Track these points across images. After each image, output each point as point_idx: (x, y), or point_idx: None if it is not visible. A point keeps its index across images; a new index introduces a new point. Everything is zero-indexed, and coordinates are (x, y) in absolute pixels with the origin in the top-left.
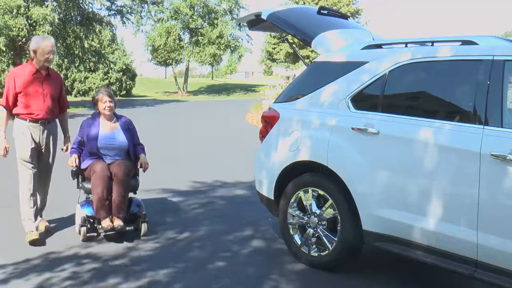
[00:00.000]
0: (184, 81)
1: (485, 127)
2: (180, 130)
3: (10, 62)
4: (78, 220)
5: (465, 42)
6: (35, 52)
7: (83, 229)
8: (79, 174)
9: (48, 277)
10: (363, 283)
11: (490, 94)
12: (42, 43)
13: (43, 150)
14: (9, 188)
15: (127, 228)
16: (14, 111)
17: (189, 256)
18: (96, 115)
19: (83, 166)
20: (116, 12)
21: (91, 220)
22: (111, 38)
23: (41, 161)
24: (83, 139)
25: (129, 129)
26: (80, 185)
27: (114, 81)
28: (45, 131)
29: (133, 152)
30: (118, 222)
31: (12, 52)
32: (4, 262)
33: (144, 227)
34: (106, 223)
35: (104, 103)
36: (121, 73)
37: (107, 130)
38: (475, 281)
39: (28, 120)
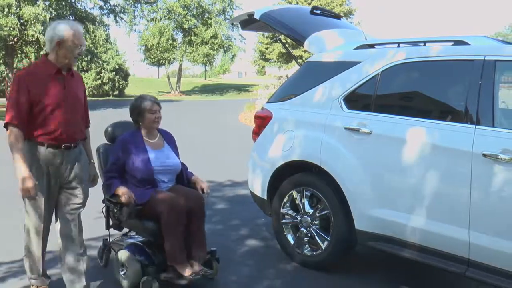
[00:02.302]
0: (177, 81)
1: (477, 126)
2: (173, 130)
3: (0, 62)
4: (134, 275)
5: (457, 42)
6: (59, 44)
7: (156, 286)
8: (137, 213)
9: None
10: (356, 282)
11: (481, 94)
12: (71, 31)
13: (68, 191)
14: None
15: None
16: (27, 131)
17: None
18: (136, 131)
19: (140, 200)
20: (109, 12)
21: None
22: (105, 38)
23: (63, 206)
24: (121, 162)
25: (175, 145)
26: (132, 224)
27: (107, 81)
28: (70, 160)
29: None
30: (198, 266)
31: (3, 52)
32: (2, 260)
33: (216, 266)
34: (188, 271)
35: (154, 114)
36: (114, 73)
37: (156, 149)
38: (467, 280)
39: (46, 145)
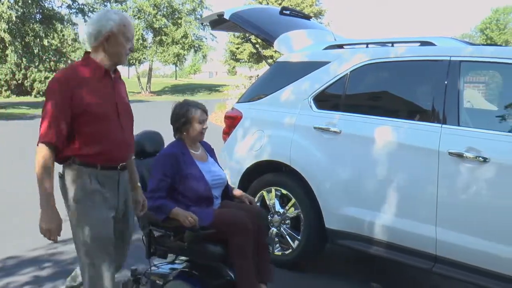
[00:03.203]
0: (147, 81)
1: (443, 125)
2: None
3: None
4: None
5: (424, 43)
6: (109, 39)
7: None
8: (203, 237)
9: (6, 283)
10: (327, 280)
11: (447, 94)
12: (122, 21)
13: (119, 224)
14: None
15: None
16: (67, 152)
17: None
18: (179, 142)
19: (205, 221)
20: (77, 11)
21: None
22: (74, 37)
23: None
24: (170, 180)
25: (215, 156)
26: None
27: None
28: (124, 184)
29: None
30: None
31: None
32: None
33: None
34: None
35: (202, 124)
36: None
37: (202, 162)
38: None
39: (99, 167)
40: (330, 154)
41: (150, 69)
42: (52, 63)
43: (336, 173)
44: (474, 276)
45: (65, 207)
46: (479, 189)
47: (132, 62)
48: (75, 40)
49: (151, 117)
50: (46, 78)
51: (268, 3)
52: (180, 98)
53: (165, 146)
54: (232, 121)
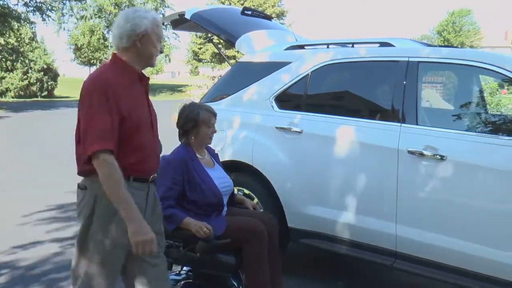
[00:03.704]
0: None
1: (402, 124)
2: None
3: None
4: None
5: (383, 44)
6: (141, 39)
7: None
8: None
9: None
10: (289, 280)
11: (406, 94)
12: (154, 20)
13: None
14: None
15: None
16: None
17: None
18: (186, 147)
19: (218, 231)
20: (35, 9)
21: None
22: (31, 36)
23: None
24: (180, 187)
25: (220, 162)
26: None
27: (35, 81)
28: (151, 195)
29: None
30: None
31: None
32: None
33: None
34: None
35: (210, 128)
36: (42, 73)
37: (210, 168)
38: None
39: (131, 179)
40: (292, 154)
41: None
42: (8, 62)
43: (298, 173)
44: (434, 271)
45: (78, 219)
46: (437, 186)
47: (93, 62)
48: (32, 39)
49: None
50: (2, 78)
51: (230, 3)
52: None
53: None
54: None
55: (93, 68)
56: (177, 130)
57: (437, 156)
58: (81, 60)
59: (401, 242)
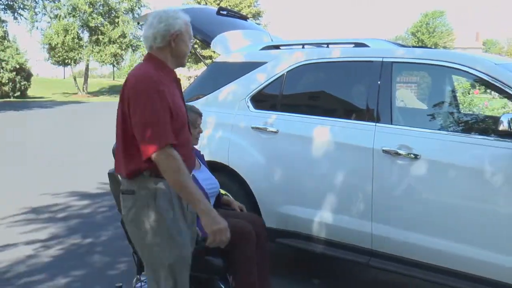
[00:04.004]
0: (84, 82)
1: (377, 124)
2: (81, 132)
3: None
4: None
5: (358, 45)
6: (175, 38)
7: None
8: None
9: None
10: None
11: (380, 93)
12: (186, 19)
13: None
14: None
15: None
16: (142, 164)
17: (89, 262)
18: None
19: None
20: (6, 7)
21: None
22: (3, 35)
23: None
24: None
25: (206, 164)
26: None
27: (7, 81)
28: None
29: None
30: None
31: None
32: None
33: None
34: None
35: (196, 129)
36: (15, 73)
37: (196, 169)
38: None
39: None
40: (267, 154)
41: (87, 69)
42: None
43: (274, 173)
44: (410, 268)
45: (130, 225)
46: (411, 185)
47: (67, 62)
48: (4, 38)
49: (98, 119)
50: None
51: (206, 3)
52: (117, 99)
53: None
54: None
55: (68, 68)
56: None
57: (411, 155)
58: (55, 60)
59: (376, 240)
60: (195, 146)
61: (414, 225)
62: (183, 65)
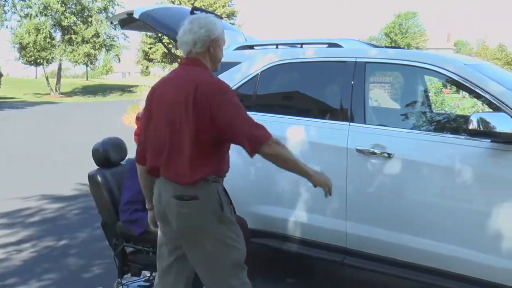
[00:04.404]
0: (56, 82)
1: (351, 123)
2: (54, 133)
3: None
4: None
5: (331, 45)
6: (213, 44)
7: None
8: None
9: None
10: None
11: (354, 93)
12: (223, 28)
13: None
14: None
15: None
16: (206, 170)
17: (64, 265)
18: None
19: None
20: None
21: None
22: None
23: None
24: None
25: None
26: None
27: None
28: None
29: None
30: None
31: None
32: None
33: None
34: None
35: None
36: None
37: None
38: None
39: (221, 182)
40: (240, 154)
41: (59, 69)
42: None
43: (249, 173)
44: (385, 266)
45: (186, 234)
46: (385, 183)
47: (39, 61)
48: None
49: (72, 119)
50: None
51: (180, 3)
52: (92, 99)
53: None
54: None
55: (40, 68)
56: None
57: (385, 154)
58: (26, 60)
59: (351, 239)
60: None
61: (388, 223)
62: (216, 70)
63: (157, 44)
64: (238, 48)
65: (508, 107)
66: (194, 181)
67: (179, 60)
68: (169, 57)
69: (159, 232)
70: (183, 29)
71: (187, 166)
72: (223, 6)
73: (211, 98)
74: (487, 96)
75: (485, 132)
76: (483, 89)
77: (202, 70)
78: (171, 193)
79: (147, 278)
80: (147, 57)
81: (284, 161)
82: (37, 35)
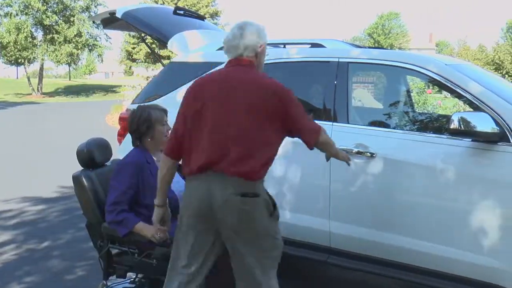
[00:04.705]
0: (38, 82)
1: (334, 123)
2: (36, 134)
3: None
4: None
5: (314, 45)
6: (261, 50)
7: None
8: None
9: None
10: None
11: (337, 93)
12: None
13: None
14: None
15: None
16: (267, 167)
17: (46, 267)
18: (143, 150)
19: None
20: None
21: None
22: None
23: None
24: (134, 191)
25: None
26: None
27: None
28: None
29: None
30: None
31: None
32: None
33: None
34: None
35: (164, 126)
36: None
37: None
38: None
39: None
40: None
41: (41, 69)
42: None
43: None
44: (369, 265)
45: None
46: (368, 183)
47: (21, 61)
48: None
49: (53, 120)
50: None
51: (163, 3)
52: (75, 99)
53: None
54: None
55: (21, 68)
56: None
57: (368, 153)
58: (7, 59)
59: (335, 238)
60: None
61: (371, 222)
62: None
63: (140, 44)
64: (221, 48)
65: (488, 106)
66: (259, 177)
67: (162, 60)
68: (152, 57)
69: (180, 230)
70: (233, 33)
71: (259, 163)
72: (206, 6)
73: (283, 99)
74: (468, 96)
75: (466, 131)
76: (463, 89)
77: (259, 72)
78: (232, 190)
79: (132, 279)
80: (130, 57)
81: (331, 146)
82: (18, 35)
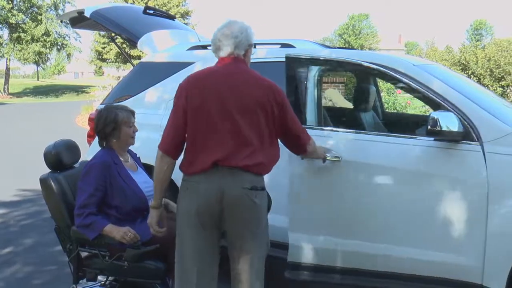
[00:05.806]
0: (5, 82)
1: (303, 126)
2: (1, 136)
3: None
4: None
5: (284, 45)
6: (249, 49)
7: None
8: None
9: None
10: None
11: (308, 94)
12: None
13: None
14: None
15: None
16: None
17: (9, 273)
18: (109, 151)
19: (144, 237)
20: None
21: None
22: None
23: None
24: (102, 194)
25: (142, 166)
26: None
27: None
28: None
29: None
30: None
31: None
32: None
33: None
34: None
35: (131, 128)
36: None
37: (134, 172)
38: None
39: None
40: None
41: (8, 69)
42: None
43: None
44: (331, 276)
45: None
46: (331, 188)
47: None
48: None
49: (20, 120)
50: None
51: (133, 2)
52: (43, 100)
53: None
54: None
55: None
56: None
57: (332, 157)
58: None
59: (292, 250)
60: (131, 147)
61: (337, 230)
62: None
63: (110, 43)
64: (191, 48)
65: (454, 106)
66: (266, 172)
67: (132, 60)
68: (122, 57)
69: (186, 230)
70: (222, 32)
71: (268, 159)
72: (177, 6)
73: (282, 97)
74: (434, 95)
75: (434, 131)
76: (430, 89)
77: (255, 71)
78: (244, 184)
79: (102, 282)
80: (100, 57)
81: (315, 147)
82: None
